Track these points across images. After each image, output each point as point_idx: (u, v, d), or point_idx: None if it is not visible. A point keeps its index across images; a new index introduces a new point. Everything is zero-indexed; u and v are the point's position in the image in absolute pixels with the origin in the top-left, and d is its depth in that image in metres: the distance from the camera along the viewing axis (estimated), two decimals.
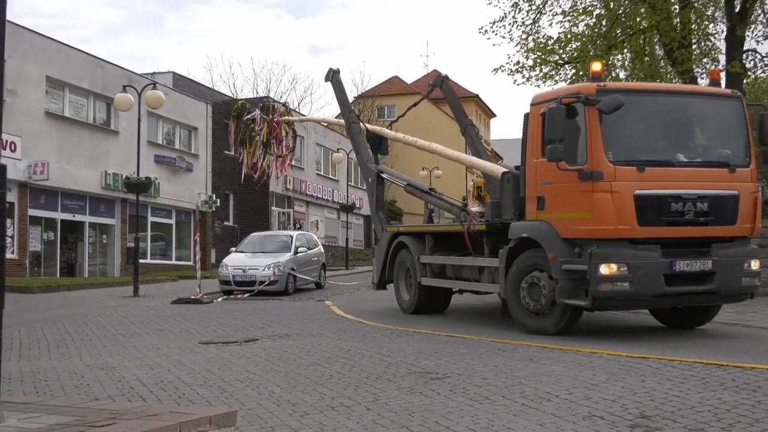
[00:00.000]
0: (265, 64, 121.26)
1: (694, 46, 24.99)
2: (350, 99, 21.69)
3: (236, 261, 22.74)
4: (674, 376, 7.68)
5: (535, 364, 8.65)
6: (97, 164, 31.54)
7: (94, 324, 14.47)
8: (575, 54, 25.67)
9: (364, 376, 8.16)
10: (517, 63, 26.18)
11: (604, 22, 25.51)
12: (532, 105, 11.82)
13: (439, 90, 18.42)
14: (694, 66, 24.22)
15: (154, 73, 38.91)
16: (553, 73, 26.40)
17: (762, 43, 26.57)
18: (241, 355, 9.98)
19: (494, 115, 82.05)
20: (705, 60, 25.86)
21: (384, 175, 16.98)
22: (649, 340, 10.80)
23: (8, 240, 26.02)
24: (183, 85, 41.84)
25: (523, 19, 26.15)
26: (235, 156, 24.10)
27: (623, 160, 10.47)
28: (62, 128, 30.20)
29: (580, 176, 10.45)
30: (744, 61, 24.05)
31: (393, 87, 66.97)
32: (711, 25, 25.97)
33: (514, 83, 26.72)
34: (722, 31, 25.17)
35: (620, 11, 24.90)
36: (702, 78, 24.71)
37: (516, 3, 25.93)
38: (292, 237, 24.80)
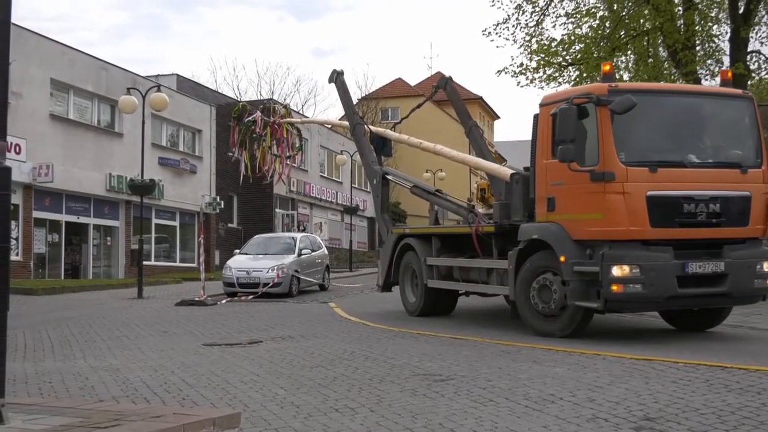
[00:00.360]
0: (269, 66, 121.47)
1: (698, 48, 24.94)
2: (354, 101, 21.62)
3: (240, 263, 22.74)
4: (678, 378, 7.66)
5: (539, 366, 8.64)
6: (102, 166, 31.59)
7: (98, 326, 14.49)
8: (579, 56, 25.61)
9: (367, 378, 8.15)
10: (521, 65, 26.15)
11: (607, 24, 25.45)
12: (541, 106, 11.78)
13: (443, 92, 18.38)
14: (698, 67, 24.17)
15: (158, 76, 39.01)
16: (557, 74, 26.34)
17: (766, 45, 26.43)
18: (244, 357, 9.98)
19: (498, 117, 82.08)
20: (709, 61, 25.79)
21: (389, 177, 16.89)
22: (653, 342, 10.78)
23: (13, 242, 26.10)
24: (187, 87, 41.90)
25: (526, 21, 26.11)
26: (236, 158, 24.00)
27: (635, 161, 10.41)
28: (67, 130, 30.26)
29: (592, 177, 10.39)
30: (748, 63, 24.00)
31: (397, 89, 67.03)
32: (715, 27, 25.90)
33: (517, 85, 26.89)
34: (726, 33, 25.10)
35: (624, 13, 24.85)
36: (706, 79, 24.69)
37: (519, 5, 25.89)
38: (295, 239, 24.80)
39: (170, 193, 35.62)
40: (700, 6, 24.46)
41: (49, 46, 29.73)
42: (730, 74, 12.16)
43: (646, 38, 25.38)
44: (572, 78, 26.13)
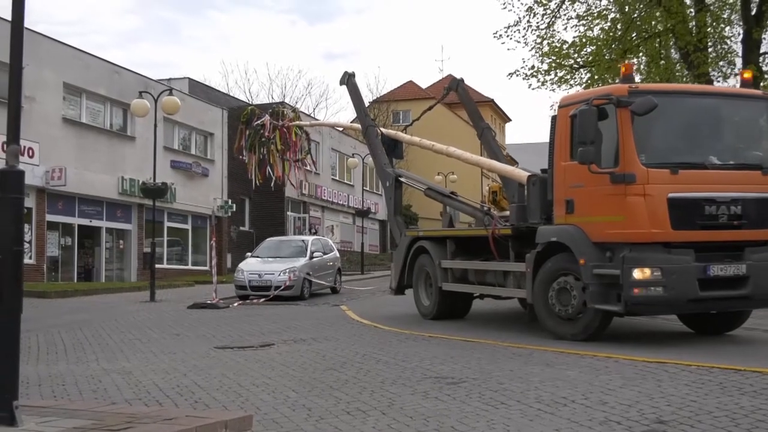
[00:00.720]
0: (280, 69, 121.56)
1: (710, 50, 24.84)
2: (365, 104, 21.59)
3: (252, 266, 22.78)
4: (691, 381, 7.63)
5: (551, 368, 8.62)
6: (114, 170, 31.71)
7: (110, 329, 14.53)
8: (590, 58, 25.56)
9: (379, 380, 8.15)
10: (532, 67, 26.12)
11: (619, 26, 25.39)
12: (560, 107, 11.73)
13: (455, 93, 18.37)
14: (710, 69, 24.08)
15: (170, 79, 39.16)
16: (568, 77, 26.30)
17: None
18: (256, 360, 10.00)
19: (509, 120, 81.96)
20: (721, 63, 25.70)
21: (402, 179, 16.81)
22: (665, 345, 10.74)
23: (26, 245, 26.21)
24: (199, 91, 42.04)
25: (537, 23, 26.07)
26: (243, 161, 23.96)
27: (656, 163, 10.33)
28: (79, 134, 30.40)
29: (612, 179, 10.32)
30: (760, 64, 23.90)
31: (408, 92, 67.03)
32: (727, 28, 25.81)
33: (529, 87, 26.84)
34: (738, 34, 25.01)
35: (635, 15, 24.80)
36: (718, 81, 24.59)
37: (530, 7, 25.85)
38: (307, 242, 24.82)
39: (182, 197, 35.72)
40: (712, 8, 24.39)
41: (62, 50, 29.88)
42: (749, 75, 12.07)
43: (658, 40, 25.30)
44: (584, 80, 26.09)
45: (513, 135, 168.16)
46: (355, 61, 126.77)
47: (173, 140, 36.62)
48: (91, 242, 32.16)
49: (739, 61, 24.61)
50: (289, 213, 45.38)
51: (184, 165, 36.57)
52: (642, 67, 26.75)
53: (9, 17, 6.09)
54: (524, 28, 26.14)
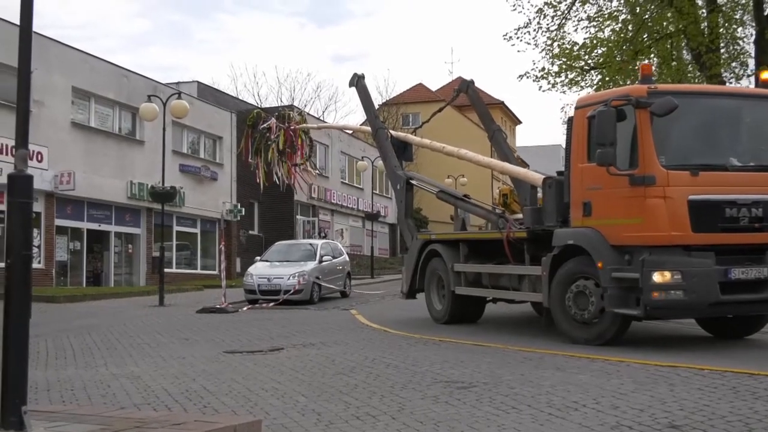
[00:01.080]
0: (289, 72, 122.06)
1: (722, 50, 24.81)
2: (375, 106, 21.53)
3: (261, 270, 22.82)
4: (704, 385, 7.60)
5: (563, 373, 8.60)
6: (123, 174, 31.81)
7: (119, 333, 14.57)
8: (601, 60, 25.56)
9: (389, 385, 8.14)
10: (543, 69, 26.15)
11: (630, 27, 25.39)
12: (576, 108, 11.68)
13: (465, 96, 18.33)
14: (722, 70, 24.03)
15: (178, 83, 39.25)
16: (579, 79, 26.32)
17: None
18: (266, 365, 10.00)
19: (520, 122, 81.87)
20: (734, 64, 25.66)
21: (414, 182, 16.72)
22: (677, 349, 10.70)
23: (35, 250, 26.30)
24: (208, 94, 42.16)
25: (547, 25, 26.11)
26: (249, 164, 23.89)
27: (676, 165, 10.27)
28: (88, 138, 30.52)
29: (632, 181, 10.26)
30: None
31: (417, 94, 67.04)
32: (739, 29, 25.79)
33: (539, 89, 26.87)
34: (751, 35, 24.98)
35: (646, 16, 24.79)
36: (730, 82, 24.53)
37: (540, 9, 25.89)
38: (317, 246, 24.85)
39: (191, 201, 35.81)
40: (724, 8, 24.36)
41: (71, 54, 30.01)
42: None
43: (670, 41, 25.28)
44: (594, 82, 26.10)
45: (524, 137, 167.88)
46: (364, 64, 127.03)
47: (182, 144, 36.71)
48: (100, 247, 32.27)
49: (751, 62, 24.57)
50: (298, 217, 45.43)
51: (193, 169, 36.66)
52: (654, 68, 26.71)
53: (17, 21, 6.11)
54: (534, 30, 26.20)
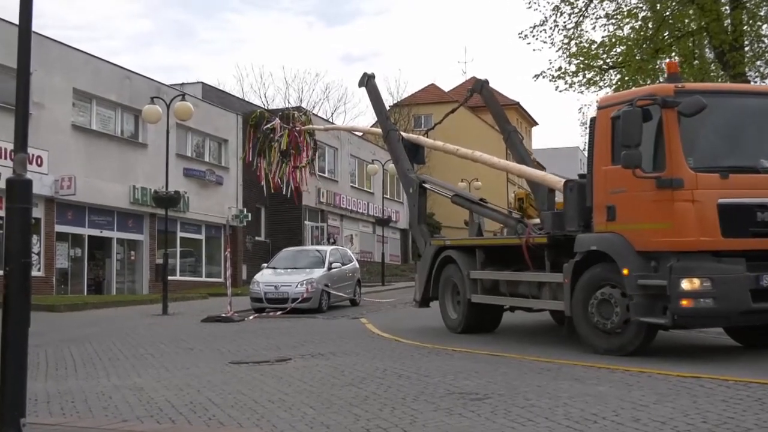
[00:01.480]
0: (297, 73, 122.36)
1: (746, 48, 24.71)
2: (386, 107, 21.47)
3: (268, 277, 22.84)
4: (729, 397, 7.56)
5: (581, 384, 8.57)
6: (125, 178, 31.93)
7: (121, 343, 14.60)
8: (620, 58, 25.51)
9: (400, 396, 8.13)
10: (559, 69, 26.12)
11: (650, 25, 25.32)
12: (599, 109, 11.62)
13: (479, 96, 18.31)
14: (746, 69, 23.94)
15: (182, 84, 39.45)
16: (597, 78, 26.27)
17: None
18: (273, 376, 10.01)
19: (536, 124, 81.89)
20: (758, 63, 25.55)
21: (427, 186, 16.70)
22: (701, 359, 10.65)
23: (34, 257, 26.40)
24: (212, 95, 42.29)
25: (564, 22, 26.07)
26: (251, 165, 23.85)
27: (705, 167, 10.19)
28: (89, 141, 30.65)
29: (659, 184, 10.19)
30: None
31: (430, 95, 67.12)
32: (764, 26, 25.67)
33: (556, 90, 26.85)
34: None
35: (667, 13, 24.71)
36: (755, 81, 24.44)
37: (557, 6, 25.85)
38: (325, 252, 24.85)
39: (196, 206, 35.91)
40: (748, 5, 24.25)
41: (72, 55, 30.16)
42: None
43: (692, 39, 25.20)
44: (613, 82, 26.04)
45: (540, 139, 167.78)
46: (374, 64, 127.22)
47: (186, 147, 36.82)
48: (101, 253, 32.38)
49: None
50: (306, 222, 45.48)
51: (198, 173, 36.77)
52: None
53: (17, 21, 6.14)
54: (551, 28, 26.17)
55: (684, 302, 9.89)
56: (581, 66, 25.99)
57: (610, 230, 10.94)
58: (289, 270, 23.33)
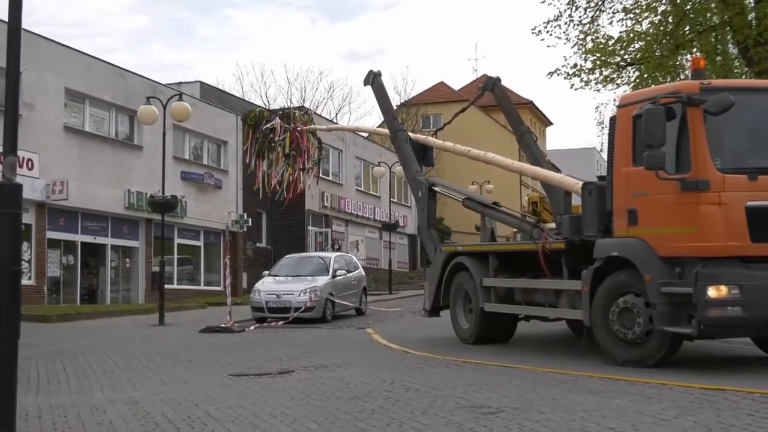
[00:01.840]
0: (299, 71, 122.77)
1: None
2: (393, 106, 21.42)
3: (269, 286, 22.87)
4: (754, 411, 7.54)
5: (598, 397, 8.56)
6: (120, 182, 31.98)
7: (116, 355, 14.63)
8: (639, 55, 25.50)
9: (409, 410, 8.13)
10: (575, 66, 26.12)
11: (670, 19, 25.31)
12: (619, 107, 11.63)
13: (490, 95, 18.30)
14: None
15: (180, 83, 39.55)
16: (615, 76, 26.28)
17: None
18: (275, 389, 10.02)
19: (550, 123, 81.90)
20: None
21: (437, 189, 16.66)
22: (724, 371, 10.62)
23: (25, 265, 26.46)
24: (211, 95, 42.38)
25: (580, 17, 26.07)
26: (249, 169, 23.81)
27: (732, 168, 10.18)
28: (82, 144, 30.70)
29: (683, 186, 10.17)
30: None
31: (439, 94, 67.15)
32: None
33: (571, 88, 26.85)
34: None
35: (688, 7, 24.70)
36: None
37: (572, 0, 25.86)
38: (329, 259, 24.89)
39: (194, 211, 35.94)
40: None
41: (64, 53, 30.23)
42: None
43: (714, 34, 25.16)
44: (631, 79, 26.05)
45: (554, 140, 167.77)
46: (381, 62, 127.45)
47: (184, 149, 36.89)
48: (95, 261, 32.42)
49: None
50: (309, 227, 45.51)
51: (196, 176, 36.82)
52: None
53: (5, 18, 6.17)
54: (566, 23, 26.18)
55: (711, 311, 9.85)
56: (598, 63, 26.00)
57: (632, 235, 10.92)
58: (291, 278, 23.35)
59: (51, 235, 29.11)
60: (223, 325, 19.67)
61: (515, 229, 15.47)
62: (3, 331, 5.77)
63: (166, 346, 16.10)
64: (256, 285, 23.71)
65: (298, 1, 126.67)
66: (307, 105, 55.18)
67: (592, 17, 26.08)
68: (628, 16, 26.13)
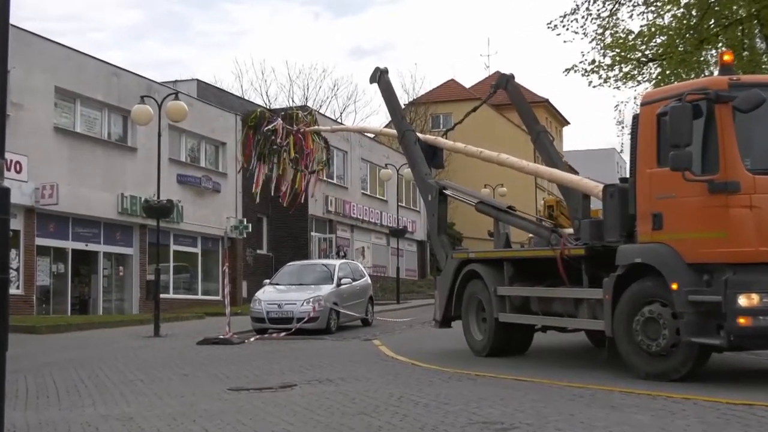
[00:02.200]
0: (302, 69, 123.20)
1: None
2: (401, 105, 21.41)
3: (271, 295, 22.88)
4: None
5: (618, 412, 8.55)
6: (113, 186, 32.02)
7: (109, 368, 14.65)
8: (660, 50, 25.48)
9: (418, 426, 8.14)
10: (593, 62, 26.12)
11: (694, 13, 25.31)
12: (643, 105, 11.63)
13: (503, 93, 18.28)
14: None
15: (176, 82, 39.67)
16: (635, 72, 26.27)
17: None
18: (276, 404, 10.03)
19: (567, 123, 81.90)
20: None
21: (448, 192, 16.64)
22: (752, 384, 10.61)
23: (13, 273, 26.51)
24: (209, 94, 42.46)
25: (598, 11, 26.07)
26: (247, 173, 23.79)
27: (763, 169, 10.16)
28: (73, 145, 30.76)
29: (712, 188, 10.14)
30: None
31: (449, 92, 67.20)
32: None
33: (589, 85, 26.82)
34: None
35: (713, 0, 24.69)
36: None
37: None
38: (334, 267, 24.88)
39: (191, 216, 35.98)
40: None
41: (54, 50, 30.31)
42: None
43: (741, 28, 25.15)
44: (653, 76, 26.04)
45: (572, 140, 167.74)
46: (388, 58, 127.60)
47: (180, 151, 36.94)
48: (87, 269, 32.46)
49: None
50: (313, 233, 45.52)
51: (193, 179, 36.86)
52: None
53: None
54: (583, 17, 26.17)
55: (741, 320, 9.82)
56: (617, 59, 25.99)
57: (657, 240, 10.88)
58: (293, 287, 23.36)
59: (40, 241, 29.16)
60: (221, 337, 19.69)
61: (531, 235, 15.45)
62: None
63: (161, 359, 16.12)
64: (256, 294, 23.72)
65: None
66: (310, 104, 55.29)
67: (611, 10, 26.09)
68: (650, 9, 26.15)
